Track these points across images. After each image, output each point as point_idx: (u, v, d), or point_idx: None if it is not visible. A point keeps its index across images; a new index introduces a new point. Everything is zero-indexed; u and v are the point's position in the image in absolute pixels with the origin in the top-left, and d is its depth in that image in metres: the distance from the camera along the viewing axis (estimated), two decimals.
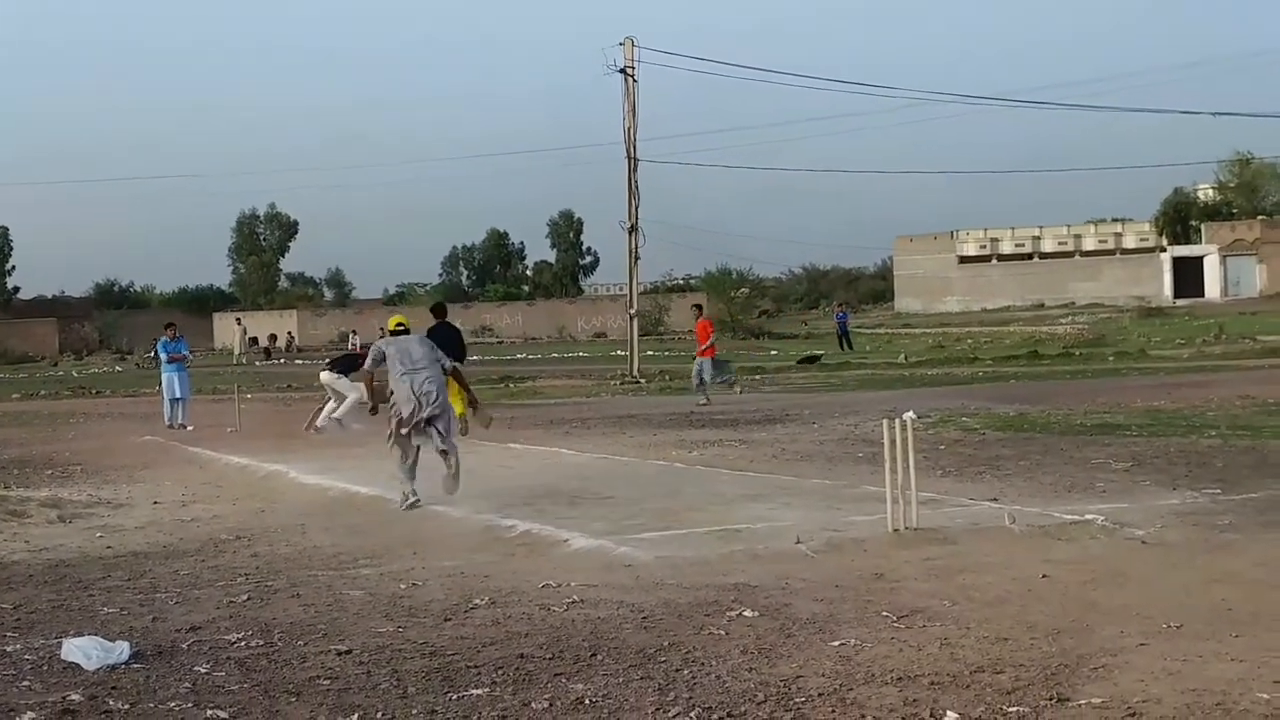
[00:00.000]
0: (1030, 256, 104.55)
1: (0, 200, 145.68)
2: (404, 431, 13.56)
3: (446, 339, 19.47)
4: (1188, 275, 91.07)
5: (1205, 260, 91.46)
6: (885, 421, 11.03)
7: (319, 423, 23.12)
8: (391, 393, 13.79)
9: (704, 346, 30.01)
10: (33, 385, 46.69)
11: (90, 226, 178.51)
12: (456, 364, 15.46)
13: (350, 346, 79.81)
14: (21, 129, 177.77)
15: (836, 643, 7.53)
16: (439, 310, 23.31)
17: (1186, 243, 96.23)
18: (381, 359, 14.08)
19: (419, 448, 13.72)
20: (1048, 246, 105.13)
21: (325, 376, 23.58)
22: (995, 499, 12.57)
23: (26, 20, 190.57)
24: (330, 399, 23.33)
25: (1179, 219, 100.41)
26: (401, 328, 14.58)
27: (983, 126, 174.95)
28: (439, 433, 13.62)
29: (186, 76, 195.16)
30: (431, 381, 13.59)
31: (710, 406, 27.18)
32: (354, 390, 21.76)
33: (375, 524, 12.86)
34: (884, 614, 8.18)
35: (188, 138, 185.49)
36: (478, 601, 8.99)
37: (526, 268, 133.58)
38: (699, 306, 33.92)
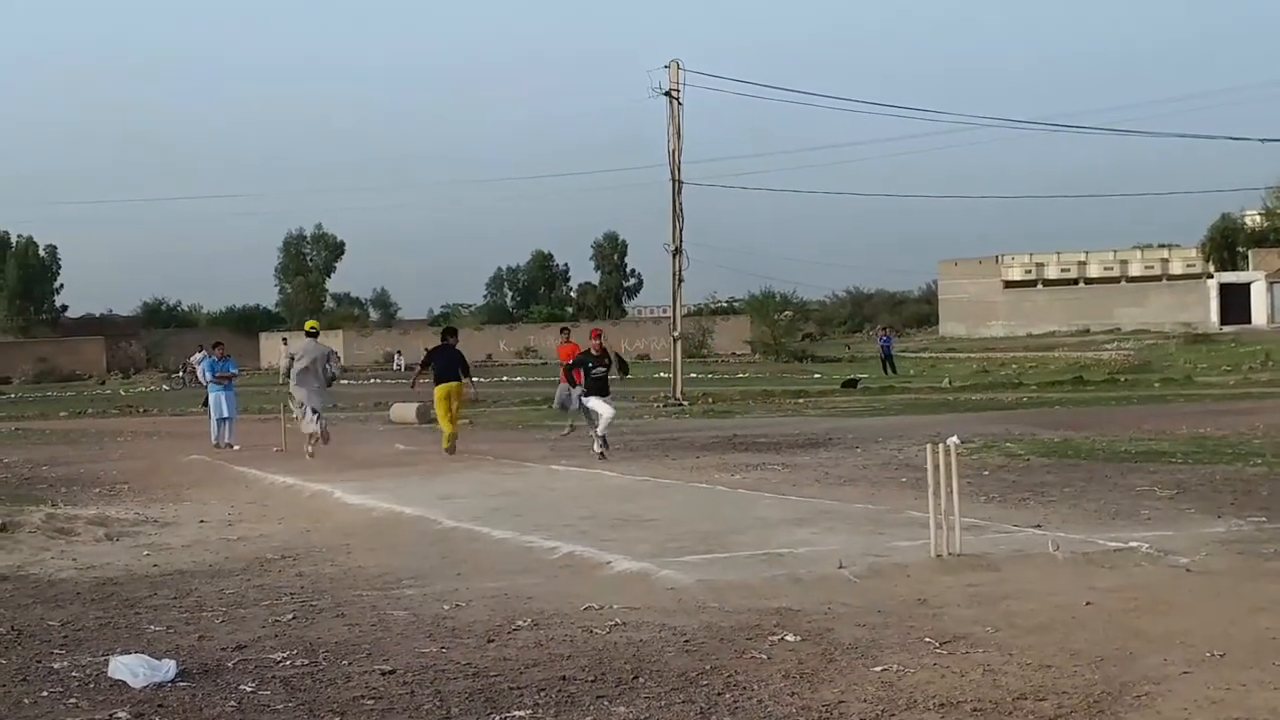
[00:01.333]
0: (1076, 282, 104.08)
1: (49, 219, 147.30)
2: None
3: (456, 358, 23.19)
4: (1234, 302, 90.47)
5: (1252, 287, 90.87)
6: (929, 446, 11.03)
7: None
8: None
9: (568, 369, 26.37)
10: (80, 403, 47.15)
11: (138, 245, 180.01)
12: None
13: (395, 367, 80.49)
14: (70, 147, 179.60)
15: (879, 668, 7.53)
16: (451, 334, 24.60)
17: (1233, 269, 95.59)
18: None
19: None
20: (1093, 272, 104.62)
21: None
22: (1039, 525, 12.53)
23: (78, 42, 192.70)
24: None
25: (1226, 245, 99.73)
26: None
27: (1028, 151, 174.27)
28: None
29: (235, 97, 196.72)
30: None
31: (570, 438, 25.39)
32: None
33: (419, 544, 12.93)
34: (926, 640, 8.17)
35: (236, 157, 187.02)
36: (520, 623, 9.03)
37: (571, 289, 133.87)
38: (565, 330, 32.78)
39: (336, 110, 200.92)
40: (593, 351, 22.19)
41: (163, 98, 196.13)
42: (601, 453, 21.17)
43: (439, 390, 22.90)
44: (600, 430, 21.41)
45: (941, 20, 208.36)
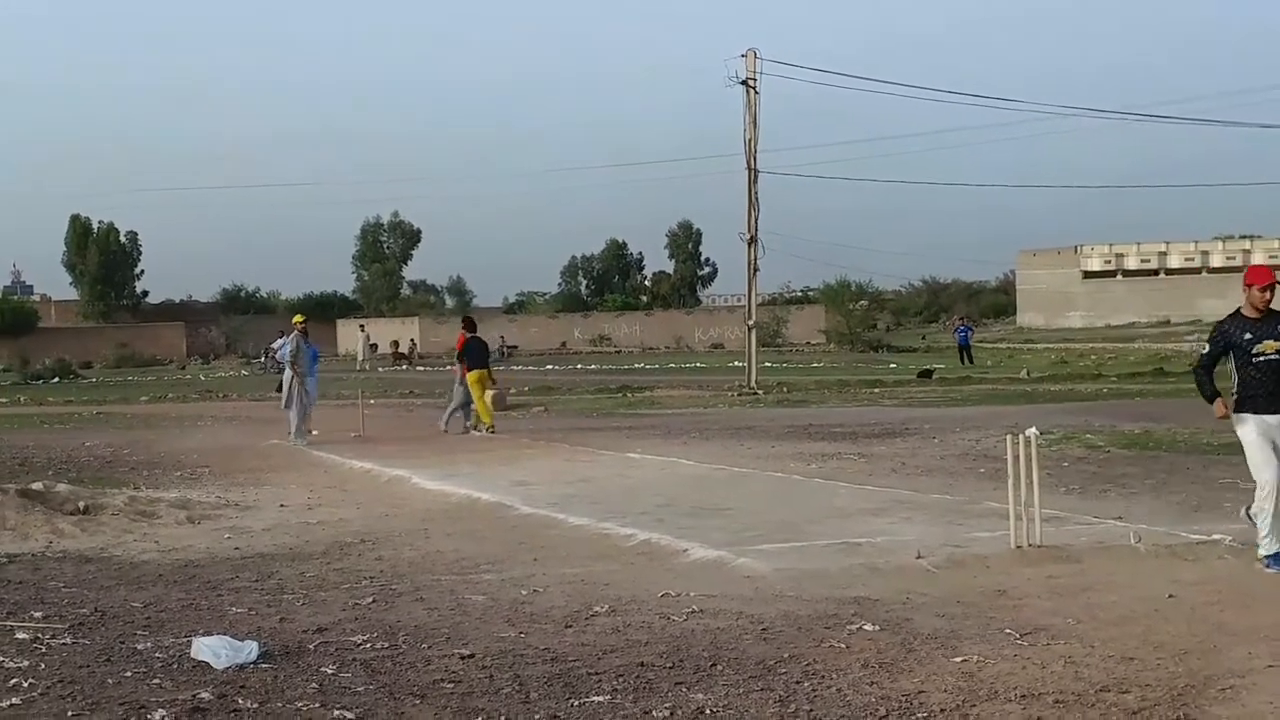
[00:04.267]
0: (1156, 273, 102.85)
1: (131, 205, 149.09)
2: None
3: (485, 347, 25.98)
4: None
5: None
6: (1009, 437, 10.93)
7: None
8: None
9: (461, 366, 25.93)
10: (161, 388, 47.71)
11: (218, 232, 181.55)
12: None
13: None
14: (152, 136, 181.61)
15: (959, 659, 7.48)
16: (470, 324, 26.64)
17: None
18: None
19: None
20: (1174, 263, 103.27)
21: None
22: (1120, 517, 12.39)
23: (156, 40, 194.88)
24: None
25: None
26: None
27: (1108, 140, 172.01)
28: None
29: (316, 90, 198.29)
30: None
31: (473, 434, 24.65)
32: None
33: (496, 530, 12.99)
34: (1007, 631, 8.11)
35: (316, 145, 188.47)
36: (598, 609, 9.05)
37: (645, 278, 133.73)
38: (467, 320, 29.15)
39: (414, 99, 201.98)
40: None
41: (244, 88, 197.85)
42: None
43: (476, 375, 24.81)
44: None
45: (1023, 13, 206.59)
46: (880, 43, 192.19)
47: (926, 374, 45.02)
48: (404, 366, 69.58)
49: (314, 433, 25.51)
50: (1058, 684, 6.94)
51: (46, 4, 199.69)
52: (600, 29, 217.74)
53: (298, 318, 25.68)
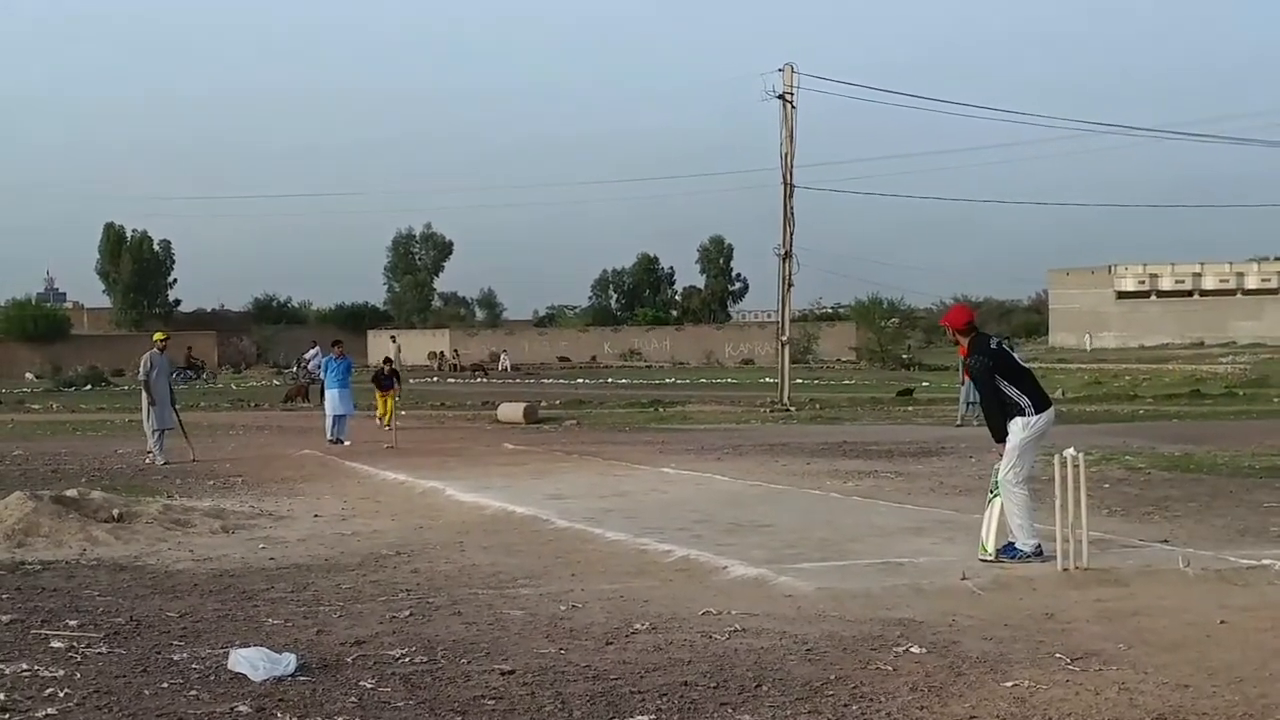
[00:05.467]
0: (1190, 293, 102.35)
1: (164, 213, 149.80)
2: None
3: None
4: None
5: None
6: (1056, 458, 10.77)
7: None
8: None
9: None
10: (192, 396, 47.71)
11: (250, 242, 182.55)
12: None
13: (501, 368, 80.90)
14: (184, 147, 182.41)
15: (1009, 683, 7.33)
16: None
17: None
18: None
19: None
20: (1209, 284, 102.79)
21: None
22: (1166, 540, 12.22)
23: (192, 50, 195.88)
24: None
25: None
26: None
27: (1142, 159, 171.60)
28: None
29: (349, 101, 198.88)
30: None
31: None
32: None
33: (532, 544, 12.87)
34: (1057, 655, 7.95)
35: (348, 157, 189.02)
36: (638, 626, 8.92)
37: (676, 293, 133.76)
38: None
39: (448, 110, 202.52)
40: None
41: (279, 97, 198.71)
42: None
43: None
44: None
45: (1057, 31, 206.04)
46: (917, 57, 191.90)
47: (907, 392, 44.75)
48: (480, 378, 68.79)
49: (346, 443, 25.55)
50: (1112, 711, 6.79)
51: (81, 14, 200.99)
52: (635, 42, 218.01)
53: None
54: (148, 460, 22.49)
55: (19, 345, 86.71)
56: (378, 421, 29.80)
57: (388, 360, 31.04)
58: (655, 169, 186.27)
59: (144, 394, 23.09)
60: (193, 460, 22.61)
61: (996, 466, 11.38)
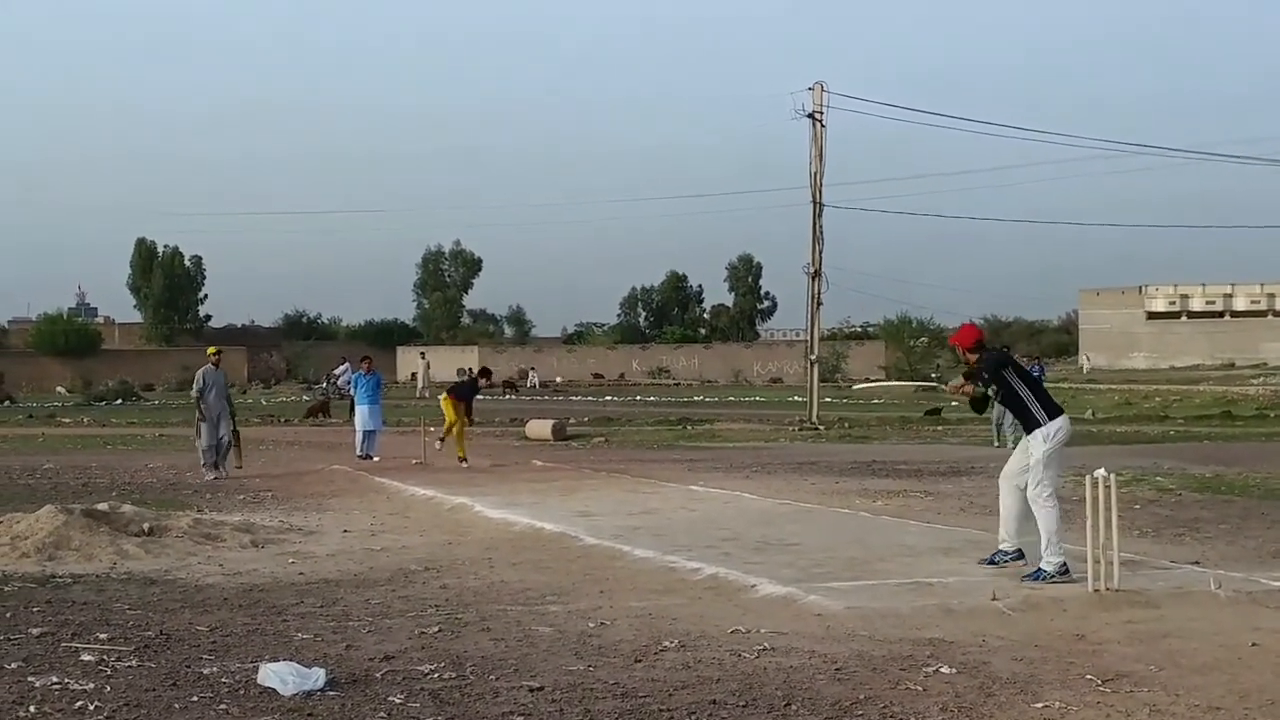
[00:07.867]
0: (1221, 314, 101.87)
1: (195, 229, 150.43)
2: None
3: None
4: None
5: None
6: (1087, 479, 10.73)
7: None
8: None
9: None
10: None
11: (281, 258, 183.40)
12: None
13: (529, 384, 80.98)
14: (216, 163, 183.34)
15: (1040, 704, 7.29)
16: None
17: None
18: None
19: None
20: (1240, 304, 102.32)
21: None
22: (1197, 562, 12.16)
23: (222, 64, 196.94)
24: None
25: None
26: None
27: (1175, 178, 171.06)
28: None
29: (376, 117, 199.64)
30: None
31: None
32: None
33: (560, 561, 12.86)
34: (1088, 677, 7.91)
35: (378, 173, 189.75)
36: (667, 644, 8.90)
37: (704, 311, 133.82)
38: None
39: (476, 130, 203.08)
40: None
41: (311, 116, 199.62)
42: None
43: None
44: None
45: (1092, 49, 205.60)
46: (947, 76, 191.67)
47: (935, 412, 44.54)
48: (510, 395, 68.52)
49: (375, 458, 25.61)
50: None
51: (112, 29, 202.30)
52: (664, 59, 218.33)
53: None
54: (209, 477, 22.40)
55: (50, 360, 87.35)
56: (438, 443, 25.31)
57: (486, 372, 27.65)
58: (685, 187, 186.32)
59: (196, 410, 23.13)
60: (237, 467, 22.99)
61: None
